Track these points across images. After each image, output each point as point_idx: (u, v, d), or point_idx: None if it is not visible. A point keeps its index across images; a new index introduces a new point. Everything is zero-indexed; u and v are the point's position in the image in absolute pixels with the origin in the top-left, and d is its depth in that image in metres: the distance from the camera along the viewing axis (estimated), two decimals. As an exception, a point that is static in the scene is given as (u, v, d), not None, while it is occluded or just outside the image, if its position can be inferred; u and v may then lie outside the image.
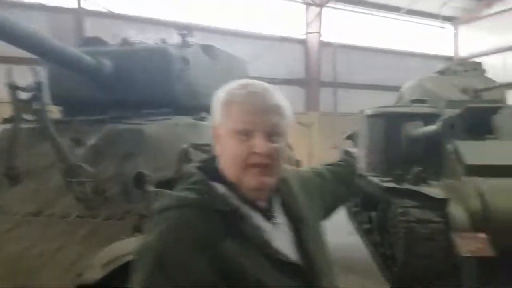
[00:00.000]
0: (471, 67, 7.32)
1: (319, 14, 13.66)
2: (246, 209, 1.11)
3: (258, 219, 1.12)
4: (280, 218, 1.18)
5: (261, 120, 1.09)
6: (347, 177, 1.69)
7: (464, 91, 6.60)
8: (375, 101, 8.19)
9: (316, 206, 1.36)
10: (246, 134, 1.08)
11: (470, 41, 17.21)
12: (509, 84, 6.35)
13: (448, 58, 17.28)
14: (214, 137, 1.16)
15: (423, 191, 4.17)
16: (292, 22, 13.82)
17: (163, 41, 3.79)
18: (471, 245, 3.23)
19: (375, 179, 5.23)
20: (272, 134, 1.10)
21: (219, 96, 1.14)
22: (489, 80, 7.04)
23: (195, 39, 3.80)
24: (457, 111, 5.47)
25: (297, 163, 7.50)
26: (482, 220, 4.37)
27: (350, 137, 7.51)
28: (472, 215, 4.40)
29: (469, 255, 3.21)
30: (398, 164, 5.25)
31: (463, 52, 17.63)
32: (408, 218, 4.03)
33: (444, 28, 17.02)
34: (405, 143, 5.40)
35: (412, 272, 4.16)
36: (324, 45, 13.99)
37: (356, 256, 6.14)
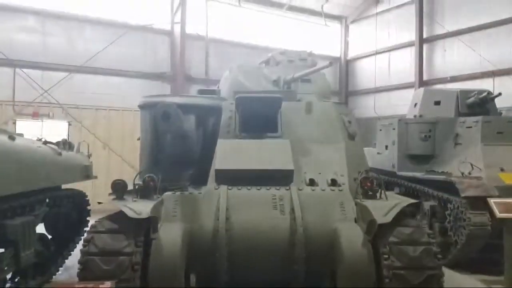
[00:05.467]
0: (297, 57, 6.50)
1: (183, 3, 12.45)
2: None
3: None
4: None
5: None
6: None
7: (275, 83, 5.75)
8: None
9: None
10: None
11: (359, 40, 16.92)
12: (318, 68, 5.52)
13: (335, 59, 16.84)
14: None
15: (124, 208, 3.03)
16: (158, 11, 12.46)
17: None
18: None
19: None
20: None
21: None
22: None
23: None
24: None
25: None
26: (213, 242, 3.35)
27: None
28: (202, 234, 3.37)
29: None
30: (166, 166, 4.19)
31: (353, 52, 17.32)
32: (89, 248, 2.86)
33: (328, 26, 16.52)
34: (172, 140, 4.31)
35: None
36: (194, 38, 12.83)
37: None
